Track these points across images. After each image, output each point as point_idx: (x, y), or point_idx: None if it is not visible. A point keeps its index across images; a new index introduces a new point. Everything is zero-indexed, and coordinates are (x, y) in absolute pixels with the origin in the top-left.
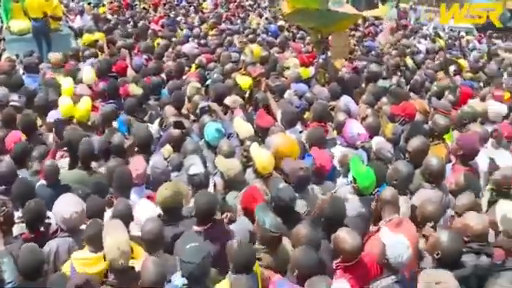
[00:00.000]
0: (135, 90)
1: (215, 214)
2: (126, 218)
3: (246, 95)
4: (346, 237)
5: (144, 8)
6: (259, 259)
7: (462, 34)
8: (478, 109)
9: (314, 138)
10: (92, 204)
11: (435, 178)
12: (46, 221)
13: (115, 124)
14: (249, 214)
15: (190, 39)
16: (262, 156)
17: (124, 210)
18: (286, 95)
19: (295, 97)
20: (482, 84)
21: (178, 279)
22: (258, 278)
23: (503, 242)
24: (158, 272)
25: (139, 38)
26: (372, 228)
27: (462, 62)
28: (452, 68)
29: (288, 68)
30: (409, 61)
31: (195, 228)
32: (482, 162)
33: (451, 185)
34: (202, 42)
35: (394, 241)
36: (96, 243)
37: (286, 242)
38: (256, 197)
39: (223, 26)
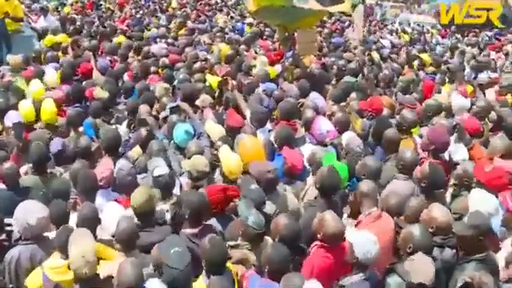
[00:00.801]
0: (100, 93)
1: (207, 214)
2: (93, 222)
3: (216, 94)
4: (330, 220)
5: (109, 8)
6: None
7: (427, 28)
8: (442, 102)
9: (283, 137)
10: (57, 209)
11: (408, 169)
12: (8, 228)
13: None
14: (215, 212)
15: (158, 39)
16: (230, 160)
17: (90, 214)
18: (255, 94)
19: (264, 96)
20: (446, 79)
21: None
22: (233, 276)
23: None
24: (135, 274)
25: (104, 38)
26: (351, 221)
27: (425, 56)
28: (416, 63)
29: (254, 66)
30: (375, 55)
31: (188, 231)
32: (446, 155)
33: (417, 173)
34: (170, 41)
35: (361, 238)
36: (67, 250)
37: (268, 239)
38: (222, 187)
39: (191, 24)
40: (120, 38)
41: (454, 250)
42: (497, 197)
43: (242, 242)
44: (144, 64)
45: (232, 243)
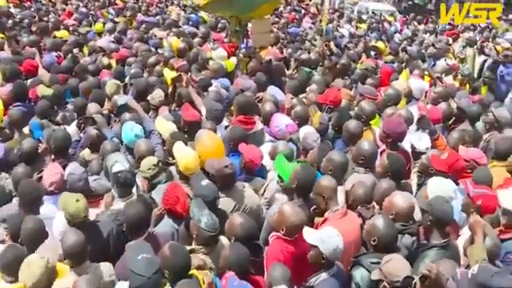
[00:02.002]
0: (44, 91)
1: (149, 225)
2: (39, 236)
3: (169, 90)
4: (290, 210)
5: (50, 0)
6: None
7: (384, 16)
8: (400, 89)
9: (236, 137)
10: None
11: (368, 161)
12: None
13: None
14: (172, 212)
15: (107, 34)
16: (184, 156)
17: (35, 228)
18: (212, 88)
19: (223, 90)
20: (403, 65)
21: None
22: (199, 283)
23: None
24: None
25: (45, 34)
26: (317, 220)
27: (381, 45)
28: (373, 53)
29: (211, 59)
30: (332, 45)
31: (129, 244)
32: (406, 144)
33: (378, 168)
34: (118, 35)
35: (324, 237)
36: (15, 271)
37: (223, 239)
38: (179, 196)
39: (141, 17)
40: (63, 33)
41: (414, 238)
42: (457, 184)
43: (197, 247)
44: (81, 65)
45: (187, 248)
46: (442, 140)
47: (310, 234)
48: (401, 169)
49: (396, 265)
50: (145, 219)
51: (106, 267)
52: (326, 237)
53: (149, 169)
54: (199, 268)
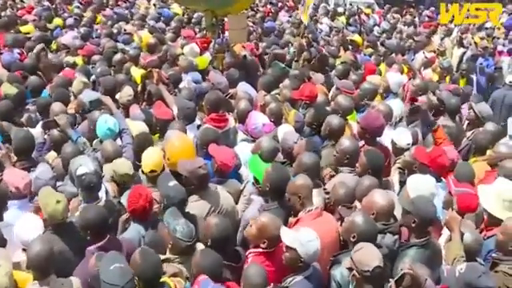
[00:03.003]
0: (8, 89)
1: (109, 228)
2: None
3: (139, 88)
4: (269, 222)
5: None
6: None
7: (361, 8)
8: (378, 84)
9: (208, 140)
10: None
11: (353, 159)
12: None
13: None
14: (137, 215)
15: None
16: (147, 155)
17: None
18: (182, 84)
19: (193, 85)
20: (381, 58)
21: None
22: None
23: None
24: None
25: (3, 30)
26: (290, 220)
27: (357, 38)
28: (350, 47)
29: (182, 54)
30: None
31: (91, 248)
32: (387, 140)
33: (357, 168)
34: (83, 30)
35: (302, 239)
36: None
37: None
38: (141, 192)
39: (109, 11)
40: (29, 29)
41: (396, 236)
42: (439, 181)
43: (173, 256)
44: (45, 63)
45: (162, 257)
46: (441, 132)
47: (287, 235)
48: (381, 165)
49: (366, 253)
50: (102, 223)
51: (76, 281)
52: (305, 240)
53: (121, 176)
54: (174, 276)
